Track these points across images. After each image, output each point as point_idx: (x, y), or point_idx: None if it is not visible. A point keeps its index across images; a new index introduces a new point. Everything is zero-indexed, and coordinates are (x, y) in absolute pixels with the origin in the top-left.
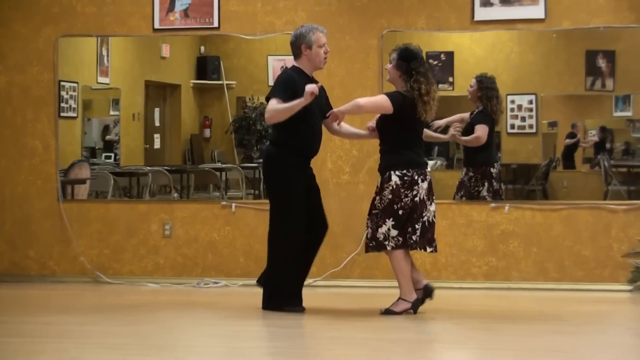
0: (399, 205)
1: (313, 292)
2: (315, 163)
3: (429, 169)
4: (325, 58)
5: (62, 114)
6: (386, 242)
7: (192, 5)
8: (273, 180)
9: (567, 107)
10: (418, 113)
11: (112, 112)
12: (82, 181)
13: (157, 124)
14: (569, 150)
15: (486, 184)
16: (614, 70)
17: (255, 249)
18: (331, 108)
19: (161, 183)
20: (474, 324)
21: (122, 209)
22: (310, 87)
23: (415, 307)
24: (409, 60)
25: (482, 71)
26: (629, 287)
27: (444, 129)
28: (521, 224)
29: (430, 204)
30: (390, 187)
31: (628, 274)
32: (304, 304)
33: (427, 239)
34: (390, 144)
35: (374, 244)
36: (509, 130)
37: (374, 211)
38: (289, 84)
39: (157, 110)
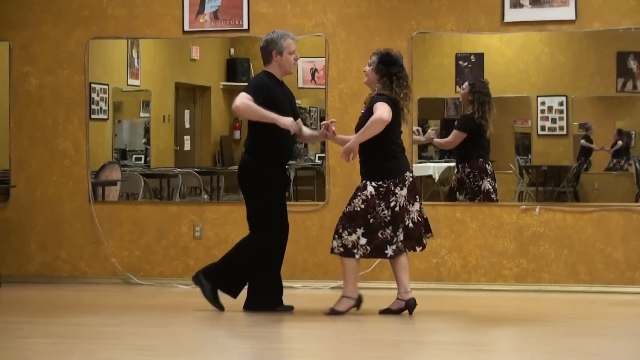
0: (371, 215)
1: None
2: None
3: (408, 173)
4: (294, 65)
5: (92, 116)
6: (355, 250)
7: (222, 7)
8: (250, 190)
9: (598, 109)
10: (399, 116)
11: (142, 114)
12: (113, 183)
13: (187, 125)
14: (586, 152)
15: (485, 177)
16: None
17: (286, 250)
18: (297, 113)
19: (191, 185)
20: (505, 327)
21: (153, 211)
22: (289, 124)
23: (358, 303)
24: (389, 65)
25: (512, 73)
26: None
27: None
28: (552, 226)
29: (412, 205)
30: (365, 197)
31: None
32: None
33: (416, 239)
34: (369, 155)
35: (342, 251)
36: (540, 132)
37: (344, 217)
38: (264, 88)
39: (187, 112)
